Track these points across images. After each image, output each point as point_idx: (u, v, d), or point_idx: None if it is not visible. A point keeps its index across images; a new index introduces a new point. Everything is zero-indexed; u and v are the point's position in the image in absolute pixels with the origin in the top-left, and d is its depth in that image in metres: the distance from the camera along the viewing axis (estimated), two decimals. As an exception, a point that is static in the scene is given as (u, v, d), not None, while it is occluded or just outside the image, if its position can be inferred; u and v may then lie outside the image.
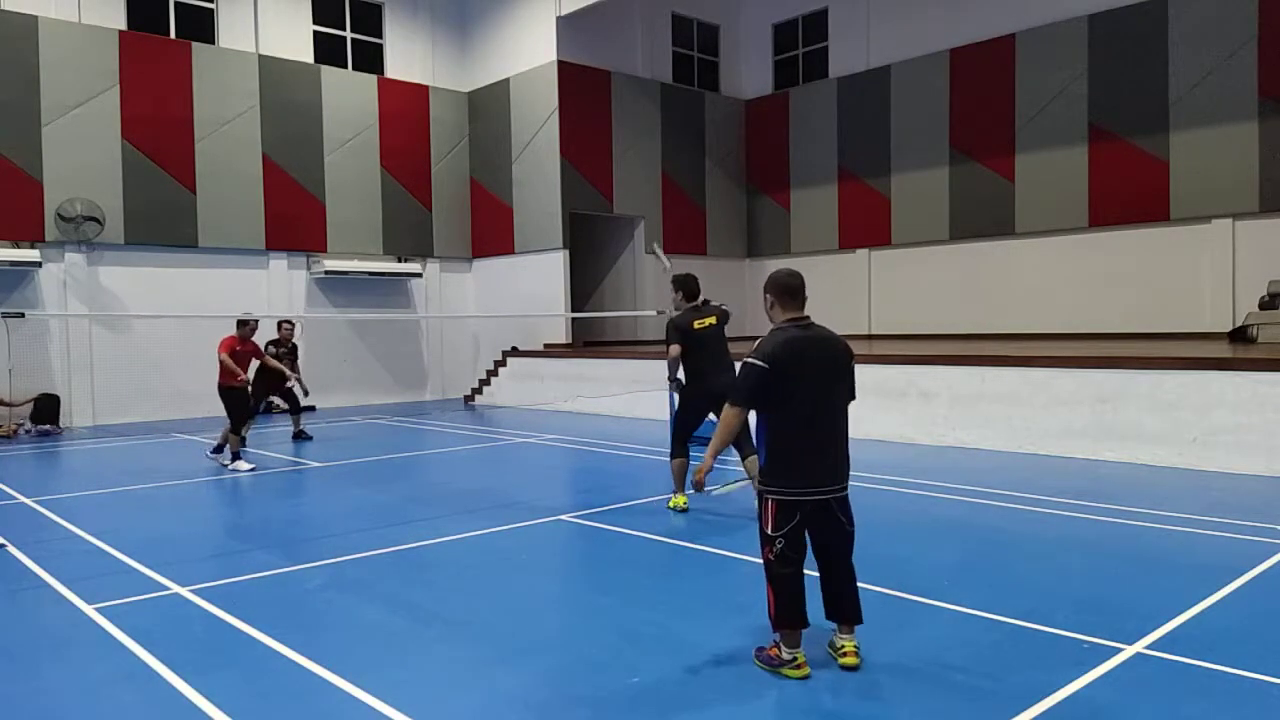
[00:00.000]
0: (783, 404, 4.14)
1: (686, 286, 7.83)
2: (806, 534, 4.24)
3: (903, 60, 19.21)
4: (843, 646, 4.19)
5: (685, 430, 7.79)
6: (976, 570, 5.86)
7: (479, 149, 20.53)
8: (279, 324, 13.36)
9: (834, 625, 4.31)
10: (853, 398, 4.33)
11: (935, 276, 18.90)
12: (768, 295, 4.33)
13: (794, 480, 4.13)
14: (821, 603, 4.32)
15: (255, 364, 11.31)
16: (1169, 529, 6.80)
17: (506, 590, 5.65)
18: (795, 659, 4.09)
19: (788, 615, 4.11)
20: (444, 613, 5.17)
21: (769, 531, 4.18)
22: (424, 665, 4.39)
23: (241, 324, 10.90)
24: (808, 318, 4.30)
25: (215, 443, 11.10)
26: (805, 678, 4.06)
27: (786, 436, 4.16)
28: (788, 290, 4.27)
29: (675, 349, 7.57)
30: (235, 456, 10.52)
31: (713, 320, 7.68)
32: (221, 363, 10.47)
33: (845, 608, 4.25)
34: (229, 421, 10.54)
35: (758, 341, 4.27)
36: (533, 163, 19.17)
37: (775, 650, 4.15)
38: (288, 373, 12.46)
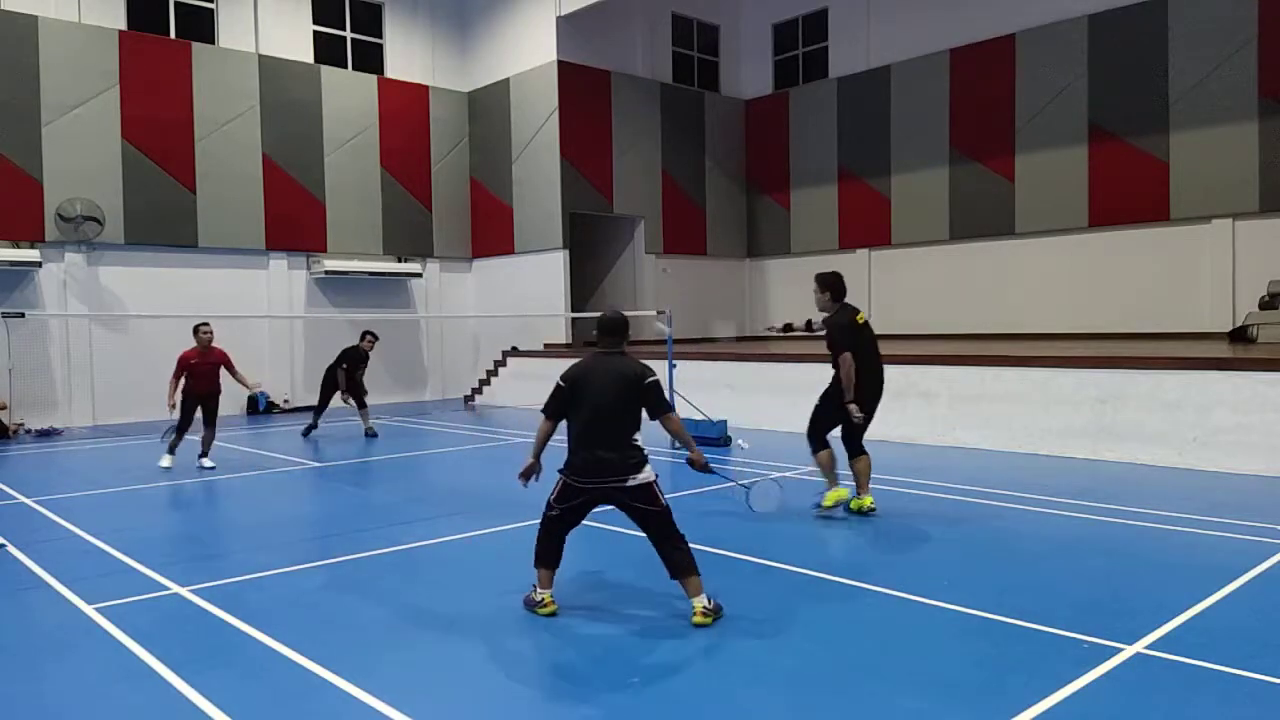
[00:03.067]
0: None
1: (835, 286, 7.31)
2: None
3: (903, 60, 19.20)
4: (693, 606, 4.83)
5: (829, 425, 7.40)
6: (977, 570, 5.86)
7: (479, 149, 20.53)
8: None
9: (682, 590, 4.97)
10: (659, 412, 5.10)
11: (935, 276, 18.89)
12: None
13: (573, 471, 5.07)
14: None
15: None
16: (1169, 529, 6.79)
17: (506, 590, 5.65)
18: (543, 599, 5.06)
19: (537, 556, 5.14)
20: (444, 612, 5.17)
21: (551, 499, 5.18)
22: (424, 665, 4.39)
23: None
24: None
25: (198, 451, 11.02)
26: (552, 614, 4.99)
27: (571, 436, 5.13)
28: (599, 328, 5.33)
29: (850, 357, 7.01)
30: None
31: (864, 315, 7.39)
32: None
33: (674, 567, 4.94)
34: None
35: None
36: (533, 163, 19.17)
37: (532, 594, 5.13)
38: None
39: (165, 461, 10.61)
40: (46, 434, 14.66)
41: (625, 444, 5.00)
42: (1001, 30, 17.67)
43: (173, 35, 16.92)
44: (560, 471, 5.12)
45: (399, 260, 19.65)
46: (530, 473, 5.22)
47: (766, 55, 22.03)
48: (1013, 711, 3.67)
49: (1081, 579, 5.62)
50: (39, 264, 15.23)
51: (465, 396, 19.94)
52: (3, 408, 14.54)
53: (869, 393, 7.19)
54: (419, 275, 19.83)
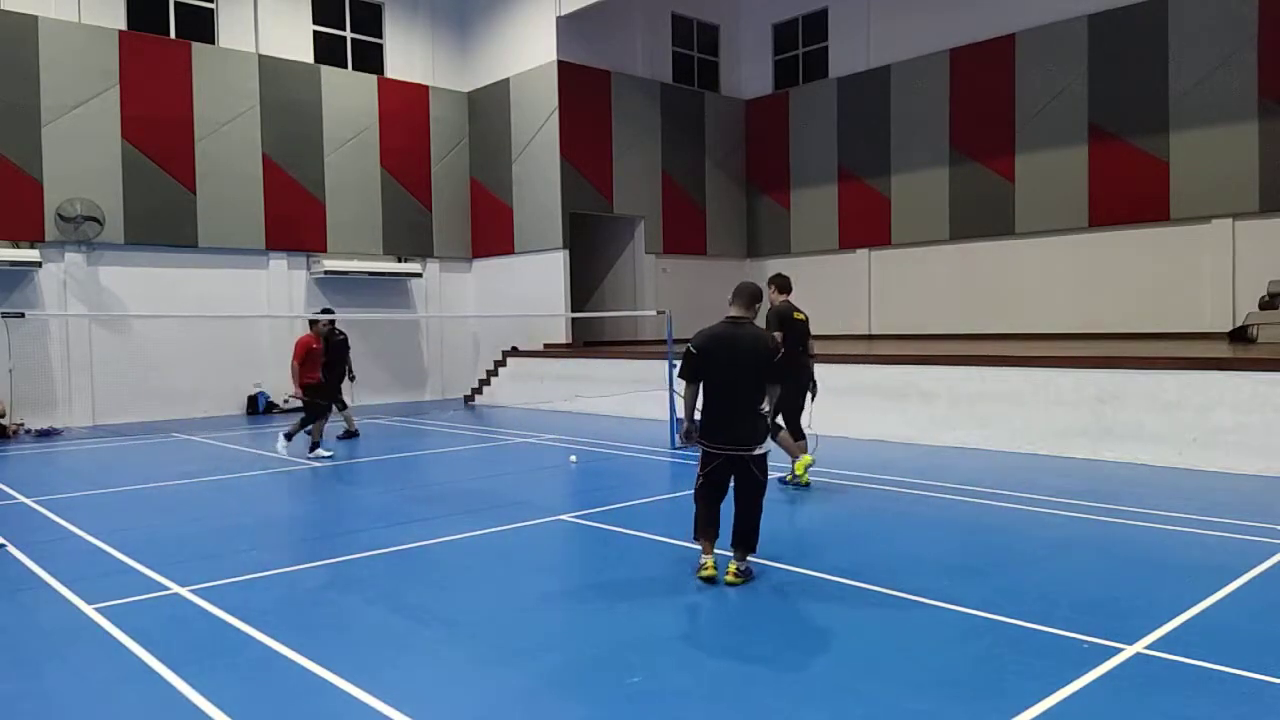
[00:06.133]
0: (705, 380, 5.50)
1: (780, 281, 8.52)
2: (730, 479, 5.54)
3: (903, 60, 19.20)
4: (730, 566, 5.43)
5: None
6: (976, 570, 5.86)
7: (479, 149, 20.53)
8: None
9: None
10: (770, 381, 5.47)
11: (935, 276, 18.89)
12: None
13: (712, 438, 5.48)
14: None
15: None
16: (1169, 529, 6.80)
17: (506, 590, 5.65)
18: (703, 563, 5.46)
19: (695, 529, 5.58)
20: (444, 613, 5.17)
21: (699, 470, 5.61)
22: (424, 665, 4.40)
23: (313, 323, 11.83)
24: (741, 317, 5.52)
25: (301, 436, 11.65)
26: (710, 579, 5.40)
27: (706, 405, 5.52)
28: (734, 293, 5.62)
29: (779, 335, 7.69)
30: (315, 445, 11.45)
31: (804, 315, 8.45)
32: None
33: (743, 536, 5.53)
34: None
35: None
36: (533, 163, 19.17)
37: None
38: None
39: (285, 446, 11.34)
40: (46, 434, 14.65)
41: (756, 413, 5.34)
42: (1001, 30, 17.67)
43: (173, 35, 16.92)
44: (699, 440, 5.50)
45: (399, 260, 19.65)
46: (690, 433, 5.54)
47: (766, 55, 22.03)
48: (1013, 711, 3.68)
49: (1081, 579, 5.62)
50: (39, 264, 15.22)
51: (465, 396, 19.94)
52: (1, 414, 14.52)
53: (805, 375, 8.40)
54: (419, 275, 19.83)
